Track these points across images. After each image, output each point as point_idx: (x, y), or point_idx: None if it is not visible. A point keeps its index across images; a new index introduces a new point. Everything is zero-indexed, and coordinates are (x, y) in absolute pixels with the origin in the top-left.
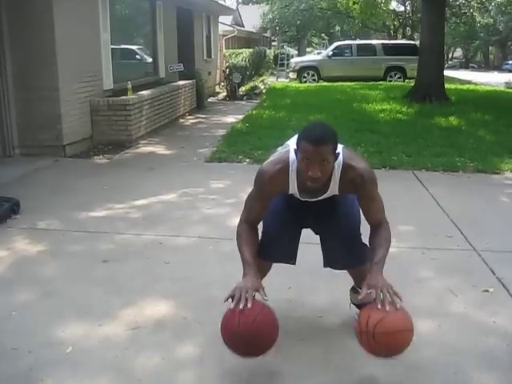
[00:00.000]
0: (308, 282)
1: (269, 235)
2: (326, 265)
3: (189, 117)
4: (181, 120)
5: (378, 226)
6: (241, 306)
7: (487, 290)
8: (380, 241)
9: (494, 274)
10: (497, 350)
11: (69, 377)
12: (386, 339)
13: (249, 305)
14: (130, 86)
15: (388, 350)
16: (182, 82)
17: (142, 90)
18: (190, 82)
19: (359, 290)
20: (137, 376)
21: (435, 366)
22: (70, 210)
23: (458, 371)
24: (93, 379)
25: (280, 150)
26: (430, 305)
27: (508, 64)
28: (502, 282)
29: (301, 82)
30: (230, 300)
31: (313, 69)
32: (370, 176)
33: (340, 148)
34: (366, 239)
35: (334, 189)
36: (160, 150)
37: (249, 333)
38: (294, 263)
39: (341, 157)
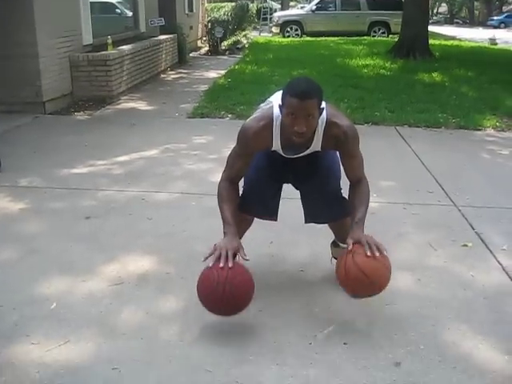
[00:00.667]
0: (289, 237)
1: (251, 190)
2: (307, 220)
3: (170, 72)
4: (162, 75)
5: (358, 182)
6: (221, 265)
7: (466, 245)
8: (360, 198)
9: (474, 229)
10: (474, 303)
11: (54, 332)
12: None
13: (230, 264)
14: (110, 41)
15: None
16: (163, 37)
17: (122, 45)
18: (171, 36)
19: (340, 244)
20: (121, 330)
21: (414, 318)
22: (52, 167)
23: (437, 323)
24: (77, 334)
25: (263, 106)
26: (410, 259)
27: (493, 20)
28: (481, 237)
29: (284, 37)
30: (210, 259)
31: (296, 23)
32: (353, 133)
33: (323, 104)
34: (346, 195)
35: (316, 145)
36: (141, 105)
37: (226, 292)
38: (276, 219)
39: (324, 113)
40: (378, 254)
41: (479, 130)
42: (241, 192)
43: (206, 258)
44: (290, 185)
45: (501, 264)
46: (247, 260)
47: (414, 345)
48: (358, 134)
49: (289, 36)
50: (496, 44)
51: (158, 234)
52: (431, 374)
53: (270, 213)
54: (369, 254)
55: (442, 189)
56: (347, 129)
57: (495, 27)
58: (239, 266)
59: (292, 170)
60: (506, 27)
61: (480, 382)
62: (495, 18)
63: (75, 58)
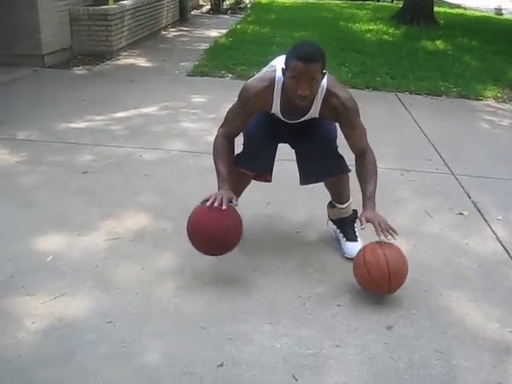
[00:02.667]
0: (287, 198)
1: (249, 146)
2: (302, 181)
3: (171, 29)
4: (163, 32)
5: (363, 156)
6: (215, 204)
7: (462, 213)
8: (367, 172)
9: (470, 198)
10: (467, 271)
11: (49, 284)
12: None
13: (224, 206)
14: None
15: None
16: None
17: (123, 0)
18: None
19: (336, 204)
20: (116, 284)
21: (407, 283)
22: (50, 120)
23: (429, 288)
24: (73, 287)
25: (265, 69)
26: (406, 225)
27: None
28: (477, 206)
29: None
30: (208, 203)
31: None
32: (352, 104)
33: (325, 72)
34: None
35: (314, 112)
36: (141, 62)
37: (217, 231)
38: (271, 179)
39: (325, 82)
40: (388, 235)
41: (480, 100)
42: (239, 149)
43: (201, 202)
44: (287, 147)
45: (495, 234)
46: (236, 205)
47: (405, 309)
48: (357, 105)
49: None
50: (502, 14)
51: (155, 190)
52: (422, 338)
53: (267, 171)
54: (380, 234)
55: (440, 157)
56: (346, 99)
57: None
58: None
59: (289, 131)
60: None
61: (470, 347)
62: None
63: (75, 12)
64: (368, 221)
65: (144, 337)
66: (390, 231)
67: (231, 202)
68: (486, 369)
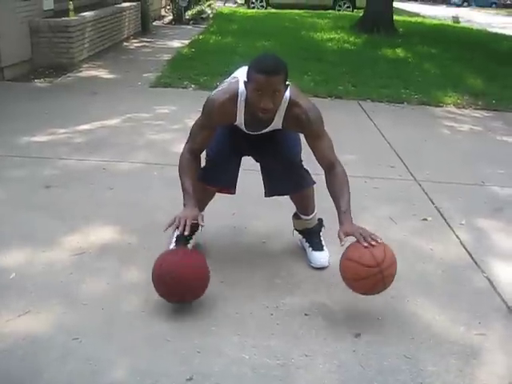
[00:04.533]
0: (252, 209)
1: (213, 162)
2: (267, 194)
3: (133, 40)
4: (125, 43)
5: (332, 169)
6: (180, 230)
7: (426, 219)
8: (339, 188)
9: (433, 203)
10: (432, 276)
11: (13, 303)
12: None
13: (186, 232)
14: (71, 7)
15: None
16: (126, 4)
17: (84, 12)
18: (134, 4)
19: (301, 216)
20: (82, 301)
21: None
22: (11, 134)
23: (396, 295)
24: (38, 304)
25: (228, 80)
26: (371, 232)
27: None
28: (440, 212)
29: (249, 8)
30: (170, 228)
31: None
32: (315, 114)
33: (288, 83)
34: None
35: (277, 123)
36: (103, 74)
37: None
38: (235, 192)
39: (288, 93)
40: (374, 243)
41: (440, 106)
42: (203, 164)
43: (166, 228)
44: (251, 158)
45: (459, 238)
46: (203, 225)
47: (373, 316)
48: (321, 115)
49: (254, 7)
50: (459, 22)
51: (120, 203)
52: (390, 344)
53: (230, 185)
54: (365, 244)
55: (403, 163)
56: (308, 110)
57: (458, 5)
58: (193, 255)
59: (252, 143)
60: (469, 6)
61: (437, 352)
62: None
63: (35, 24)
64: (347, 235)
65: (111, 353)
66: (373, 237)
67: (197, 221)
68: (453, 372)
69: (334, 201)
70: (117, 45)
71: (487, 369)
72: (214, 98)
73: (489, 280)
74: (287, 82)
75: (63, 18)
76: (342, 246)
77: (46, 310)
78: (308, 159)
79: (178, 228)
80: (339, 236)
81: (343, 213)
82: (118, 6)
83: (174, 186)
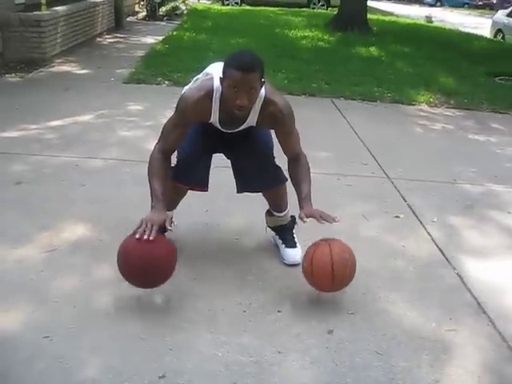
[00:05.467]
0: (225, 206)
1: (184, 160)
2: (239, 190)
3: (106, 36)
4: (98, 39)
5: (296, 158)
6: (145, 237)
7: (398, 216)
8: (301, 173)
9: (405, 201)
10: (404, 273)
11: None
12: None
13: (151, 236)
14: (43, 1)
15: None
16: None
17: (56, 6)
18: None
19: (274, 213)
20: (53, 298)
21: (346, 287)
22: None
23: (367, 291)
24: (7, 302)
25: (202, 77)
26: (343, 229)
27: None
28: (412, 209)
29: (223, 5)
30: (137, 236)
31: None
32: (289, 112)
33: (264, 80)
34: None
35: (252, 120)
36: (76, 69)
37: (146, 262)
38: (207, 189)
39: (263, 90)
40: (332, 220)
41: (413, 104)
42: (174, 162)
43: (133, 232)
44: (222, 155)
45: (430, 235)
46: (170, 229)
47: (345, 313)
48: (293, 112)
49: (228, 4)
50: (432, 22)
51: (92, 200)
52: (362, 341)
53: (202, 183)
54: (322, 221)
55: (376, 161)
56: (283, 107)
57: (431, 5)
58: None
59: (225, 141)
60: (441, 6)
61: (408, 348)
62: None
63: (6, 18)
64: (308, 216)
65: (82, 350)
66: (332, 217)
67: (164, 226)
68: (424, 368)
69: (295, 187)
70: (90, 40)
71: (457, 363)
72: (188, 96)
73: (459, 276)
74: (263, 80)
75: (35, 12)
76: (305, 222)
77: (15, 308)
78: (280, 156)
79: (142, 233)
80: (300, 217)
81: (303, 198)
82: (92, 0)
83: (147, 183)
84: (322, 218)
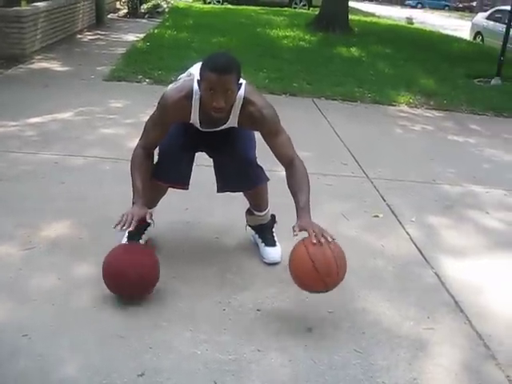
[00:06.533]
0: (205, 204)
1: (165, 158)
2: (219, 189)
3: (87, 33)
4: (79, 36)
5: (291, 166)
6: (124, 228)
7: (377, 216)
8: (299, 182)
9: (385, 200)
10: (383, 272)
11: None
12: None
13: (131, 228)
14: None
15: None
16: None
17: (36, 2)
18: None
19: (255, 212)
20: (32, 296)
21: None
22: None
23: (347, 290)
24: None
25: (184, 77)
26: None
27: (410, 0)
28: (391, 209)
29: (205, 3)
30: (118, 226)
31: None
32: (270, 111)
33: (242, 81)
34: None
35: (233, 121)
36: (56, 66)
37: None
38: (188, 188)
39: (242, 90)
40: (323, 240)
41: (393, 105)
42: (155, 160)
43: (115, 225)
44: (203, 154)
45: (409, 235)
46: (151, 222)
47: (324, 311)
48: (275, 112)
49: (210, 2)
50: (412, 23)
51: (71, 198)
52: (341, 339)
53: (183, 181)
54: (314, 241)
55: (356, 161)
56: (262, 107)
57: (412, 7)
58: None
59: (207, 140)
60: (422, 7)
61: (387, 346)
62: None
63: None
64: (301, 229)
65: (62, 349)
66: (325, 235)
67: (144, 220)
68: (402, 366)
69: (293, 196)
70: (70, 37)
71: (435, 362)
72: (168, 96)
73: (437, 275)
74: (241, 81)
75: (15, 8)
76: (295, 235)
77: None
78: (262, 156)
79: (123, 225)
80: (293, 228)
81: (301, 209)
82: None
83: (127, 181)
84: (315, 233)
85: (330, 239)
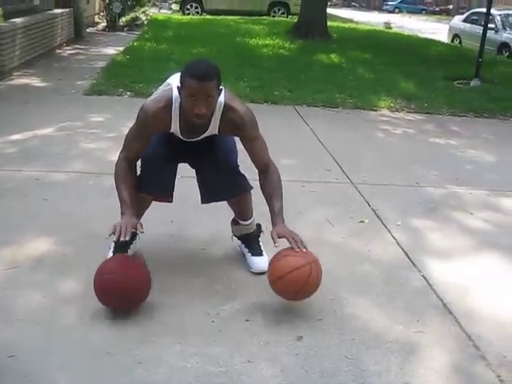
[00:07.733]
0: (190, 216)
1: (148, 171)
2: (203, 200)
3: (66, 47)
4: (58, 51)
5: (266, 170)
6: (121, 239)
7: (363, 221)
8: (273, 189)
9: (370, 205)
10: (371, 277)
11: None
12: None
13: (127, 238)
14: (0, 13)
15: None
16: (58, 11)
17: (14, 18)
18: (66, 10)
19: (240, 221)
20: (17, 316)
21: (314, 293)
22: None
23: (335, 296)
24: None
25: (162, 88)
26: (309, 235)
27: (388, 5)
28: (377, 213)
29: (184, 14)
30: (115, 237)
31: (196, 1)
32: (250, 118)
33: (221, 87)
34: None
35: (213, 128)
36: (36, 82)
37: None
38: (172, 200)
39: (222, 97)
40: (304, 249)
41: (375, 110)
42: (138, 172)
43: (110, 235)
44: (187, 164)
45: (395, 239)
46: (142, 232)
47: (313, 319)
48: (255, 118)
49: (189, 14)
50: (391, 28)
51: (55, 214)
52: (331, 346)
53: (167, 193)
54: (297, 250)
55: (340, 167)
56: (243, 113)
57: (390, 12)
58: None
59: (188, 150)
60: (400, 12)
61: (377, 351)
62: (390, 2)
63: None
64: (280, 236)
65: (50, 368)
66: (304, 244)
67: (136, 229)
68: (393, 371)
69: (267, 201)
70: (49, 52)
71: (426, 365)
72: (147, 107)
73: (425, 278)
74: (221, 87)
75: None
76: (277, 246)
77: None
78: (245, 165)
79: (119, 235)
80: (272, 237)
81: (276, 214)
82: (50, 12)
83: (110, 195)
84: (295, 241)
85: (304, 250)
